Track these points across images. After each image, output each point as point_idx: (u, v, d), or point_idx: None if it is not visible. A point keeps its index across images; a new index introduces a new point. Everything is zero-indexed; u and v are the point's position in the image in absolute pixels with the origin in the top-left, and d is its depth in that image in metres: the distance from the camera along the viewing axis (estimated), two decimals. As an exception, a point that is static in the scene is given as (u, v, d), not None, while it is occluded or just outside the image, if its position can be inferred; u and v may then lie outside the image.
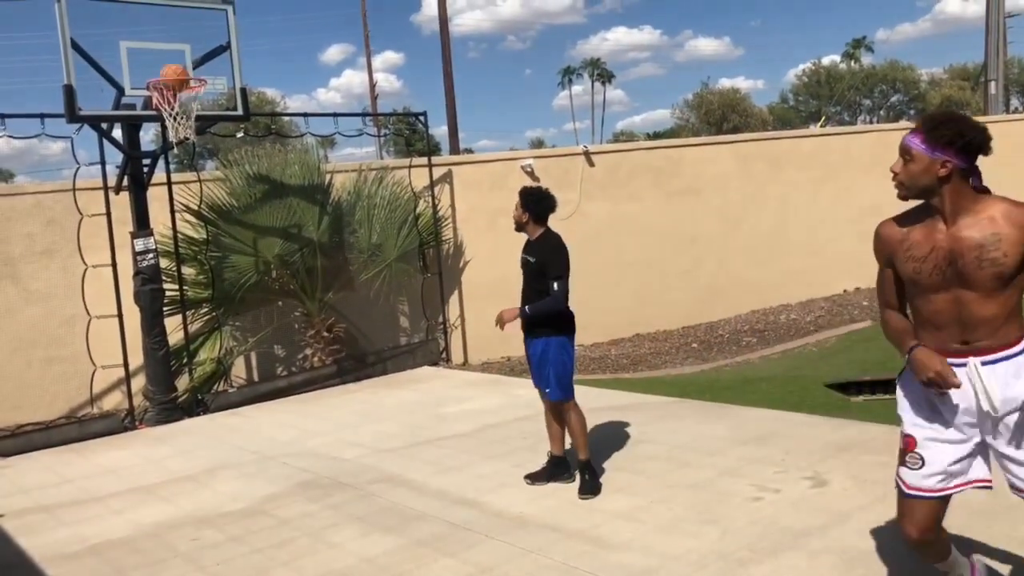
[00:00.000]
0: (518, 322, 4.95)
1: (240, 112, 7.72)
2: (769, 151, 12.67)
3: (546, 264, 4.84)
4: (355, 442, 6.38)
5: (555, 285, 4.76)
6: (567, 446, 5.07)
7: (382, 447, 6.17)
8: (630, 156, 11.87)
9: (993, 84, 18.88)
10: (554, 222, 4.68)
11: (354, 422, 7.08)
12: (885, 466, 4.72)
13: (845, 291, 12.69)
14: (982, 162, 2.58)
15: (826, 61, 59.56)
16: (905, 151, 2.59)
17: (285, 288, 9.17)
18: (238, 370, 8.97)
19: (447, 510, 4.69)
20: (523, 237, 5.18)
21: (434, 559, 4.02)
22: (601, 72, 73.37)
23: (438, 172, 10.23)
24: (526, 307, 4.83)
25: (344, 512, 4.81)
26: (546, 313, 4.80)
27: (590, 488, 4.74)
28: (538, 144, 65.13)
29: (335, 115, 9.43)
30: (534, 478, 5.02)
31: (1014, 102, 46.46)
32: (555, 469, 5.03)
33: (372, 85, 34.16)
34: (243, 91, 7.69)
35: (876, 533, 3.84)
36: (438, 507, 4.75)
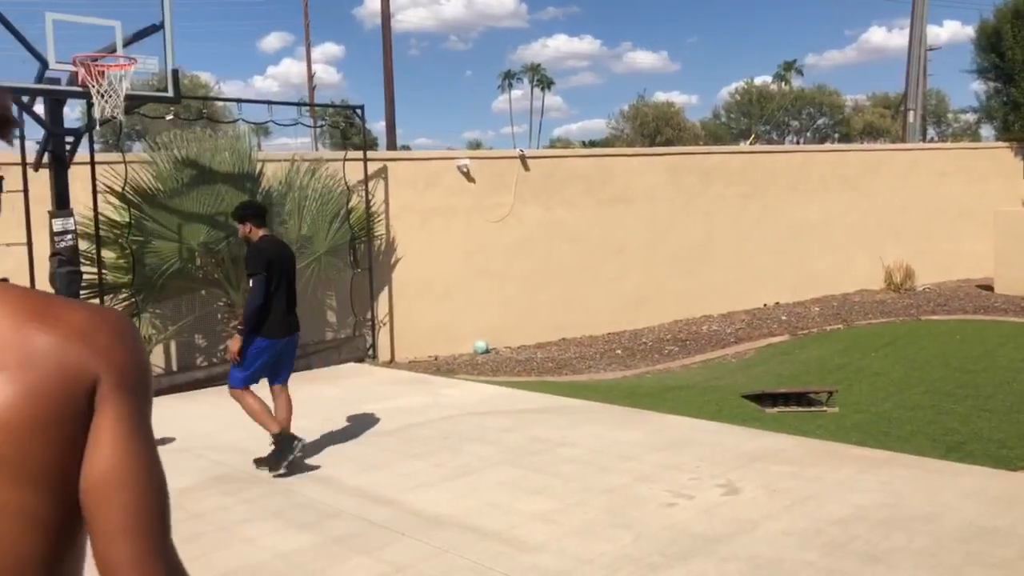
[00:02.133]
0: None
1: (171, 94, 7.50)
2: (699, 165, 12.96)
3: (246, 263, 5.31)
4: (274, 436, 6.28)
5: (251, 282, 5.23)
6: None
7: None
8: (565, 163, 12.00)
9: (912, 113, 19.69)
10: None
11: (274, 416, 6.97)
12: (795, 476, 4.90)
13: (765, 305, 13.07)
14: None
15: (758, 81, 61.18)
16: None
17: (209, 277, 8.97)
18: (156, 359, 8.73)
19: (364, 508, 4.67)
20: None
21: (348, 557, 4.00)
22: (541, 78, 73.86)
23: (373, 167, 10.16)
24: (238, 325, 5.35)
25: (259, 507, 4.74)
26: (248, 315, 5.24)
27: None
28: (475, 145, 65.05)
29: (270, 103, 9.29)
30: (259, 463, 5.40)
31: (930, 131, 48.57)
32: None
33: (310, 75, 33.65)
34: (175, 72, 7.49)
35: (783, 541, 3.98)
36: (355, 505, 4.72)
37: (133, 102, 7.42)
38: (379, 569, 3.85)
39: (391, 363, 10.03)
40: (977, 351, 9.08)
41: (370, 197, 9.97)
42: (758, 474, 4.97)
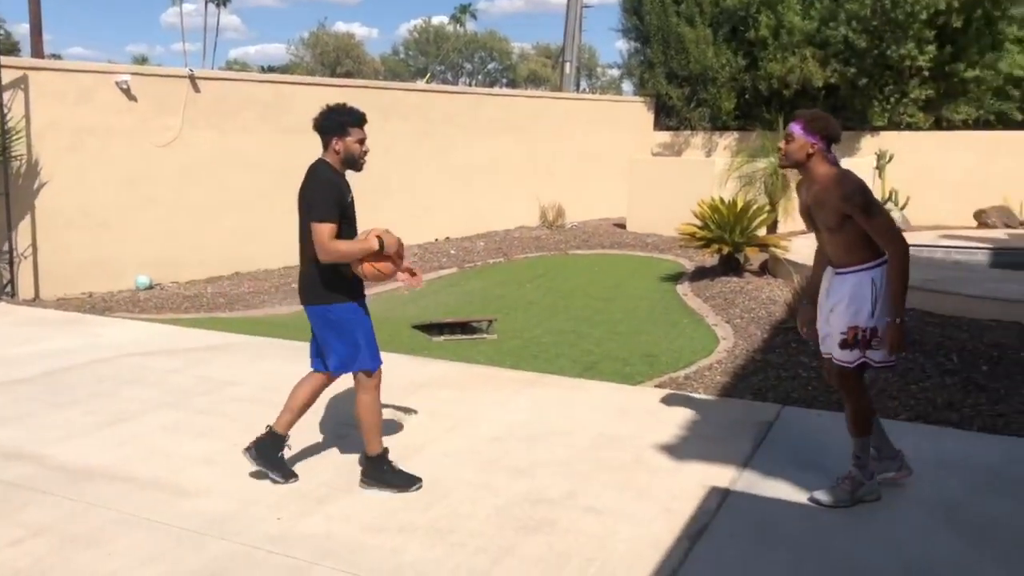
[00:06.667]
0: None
1: None
2: (377, 100, 13.02)
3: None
4: None
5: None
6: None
7: (-79, 394, 5.34)
8: (241, 87, 11.40)
9: (568, 65, 21.39)
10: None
11: None
12: (457, 400, 5.32)
13: (436, 239, 13.66)
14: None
15: (436, 21, 62.31)
16: (787, 134, 3.68)
17: None
18: None
19: None
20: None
21: (-16, 517, 3.64)
22: (214, -9, 68.22)
23: (9, 76, 8.87)
24: None
25: None
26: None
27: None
28: (142, 61, 58.86)
29: None
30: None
31: (583, 83, 53.10)
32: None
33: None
34: None
35: (442, 462, 4.33)
36: (-8, 460, 4.27)
37: None
38: (14, 534, 3.52)
39: (35, 301, 9.01)
40: (611, 281, 10.35)
41: (6, 111, 8.73)
42: (424, 400, 5.32)
